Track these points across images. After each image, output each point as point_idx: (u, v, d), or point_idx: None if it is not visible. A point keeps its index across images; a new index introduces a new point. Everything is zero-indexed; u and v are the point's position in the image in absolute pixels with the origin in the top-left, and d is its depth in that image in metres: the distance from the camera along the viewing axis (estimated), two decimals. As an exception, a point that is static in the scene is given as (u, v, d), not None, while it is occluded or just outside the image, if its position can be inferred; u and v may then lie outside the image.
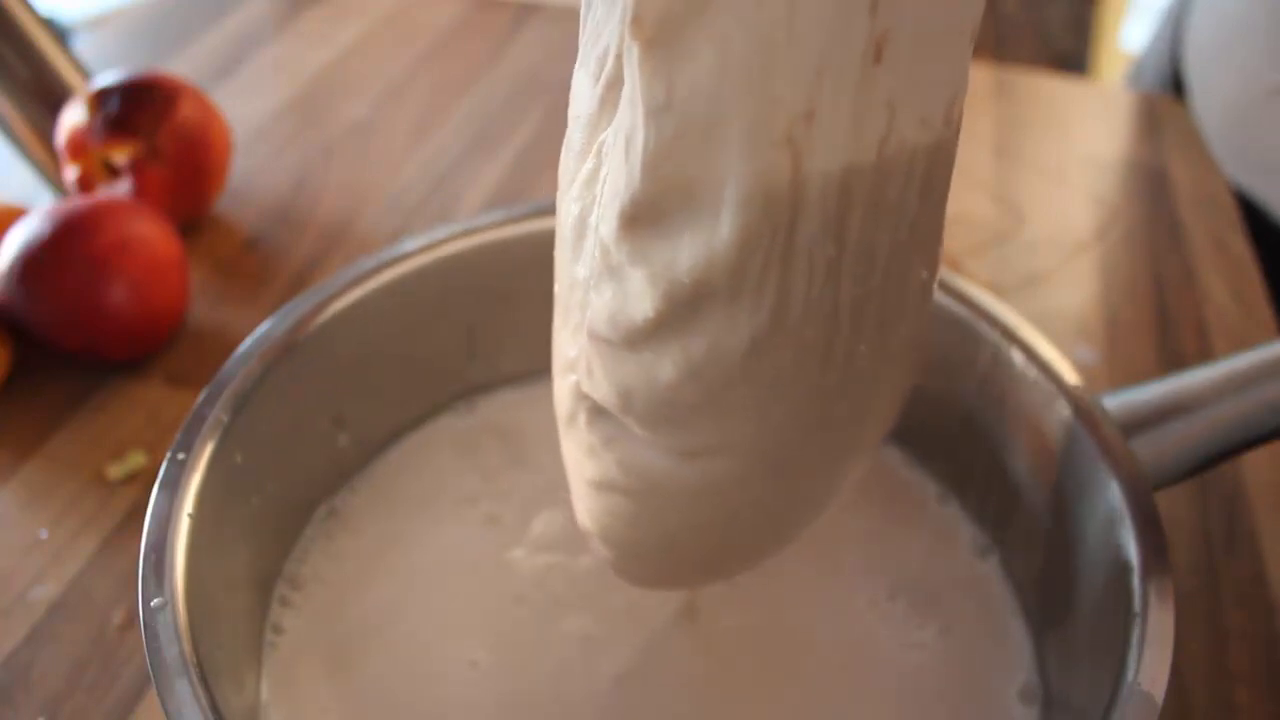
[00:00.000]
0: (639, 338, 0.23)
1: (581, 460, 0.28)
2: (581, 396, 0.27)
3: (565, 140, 0.26)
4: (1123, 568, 0.29)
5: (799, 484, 0.28)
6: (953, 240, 0.55)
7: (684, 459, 0.25)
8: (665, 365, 0.23)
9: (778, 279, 0.22)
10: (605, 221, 0.23)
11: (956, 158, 0.23)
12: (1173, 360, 0.50)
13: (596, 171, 0.24)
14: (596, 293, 0.24)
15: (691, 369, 0.23)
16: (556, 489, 0.39)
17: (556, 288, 0.28)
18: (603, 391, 0.25)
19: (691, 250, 0.22)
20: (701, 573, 0.31)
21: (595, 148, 0.24)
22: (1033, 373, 0.34)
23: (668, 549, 0.29)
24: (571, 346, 0.27)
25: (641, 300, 0.23)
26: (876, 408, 0.27)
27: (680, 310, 0.22)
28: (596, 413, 0.27)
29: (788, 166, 0.20)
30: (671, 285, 0.22)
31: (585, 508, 0.29)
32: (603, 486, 0.28)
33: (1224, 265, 0.56)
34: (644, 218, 0.22)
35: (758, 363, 0.23)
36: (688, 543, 0.28)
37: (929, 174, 0.22)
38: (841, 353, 0.24)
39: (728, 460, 0.25)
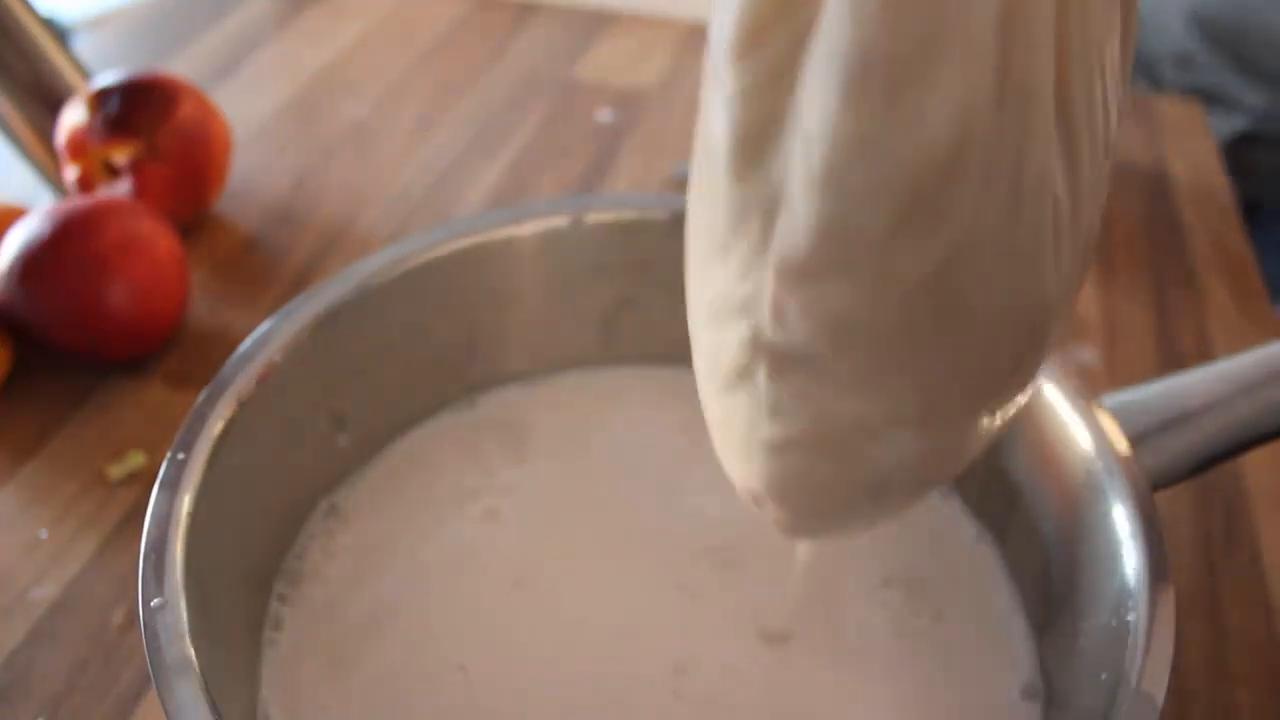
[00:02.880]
0: (867, 242, 0.19)
1: (756, 421, 0.24)
2: (759, 347, 0.23)
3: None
4: (1122, 568, 0.29)
5: (968, 421, 0.24)
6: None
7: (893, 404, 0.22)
8: (905, 262, 0.19)
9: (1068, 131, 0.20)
10: (821, 87, 0.19)
11: None
12: (1173, 360, 0.50)
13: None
14: (797, 201, 0.20)
15: (940, 261, 0.19)
16: (557, 486, 0.39)
17: (698, 212, 0.24)
18: (804, 333, 0.21)
19: (947, 94, 0.18)
20: (865, 521, 0.28)
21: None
22: (1033, 373, 0.34)
23: (850, 503, 0.25)
24: (739, 283, 0.22)
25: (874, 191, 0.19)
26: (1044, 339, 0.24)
27: (927, 193, 0.19)
28: (785, 363, 0.22)
29: None
30: (918, 151, 0.18)
31: (756, 471, 0.25)
32: (789, 447, 0.24)
33: (1224, 265, 0.56)
34: (880, 74, 0.18)
35: (1008, 239, 0.20)
36: (871, 494, 0.25)
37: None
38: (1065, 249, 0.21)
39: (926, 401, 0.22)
